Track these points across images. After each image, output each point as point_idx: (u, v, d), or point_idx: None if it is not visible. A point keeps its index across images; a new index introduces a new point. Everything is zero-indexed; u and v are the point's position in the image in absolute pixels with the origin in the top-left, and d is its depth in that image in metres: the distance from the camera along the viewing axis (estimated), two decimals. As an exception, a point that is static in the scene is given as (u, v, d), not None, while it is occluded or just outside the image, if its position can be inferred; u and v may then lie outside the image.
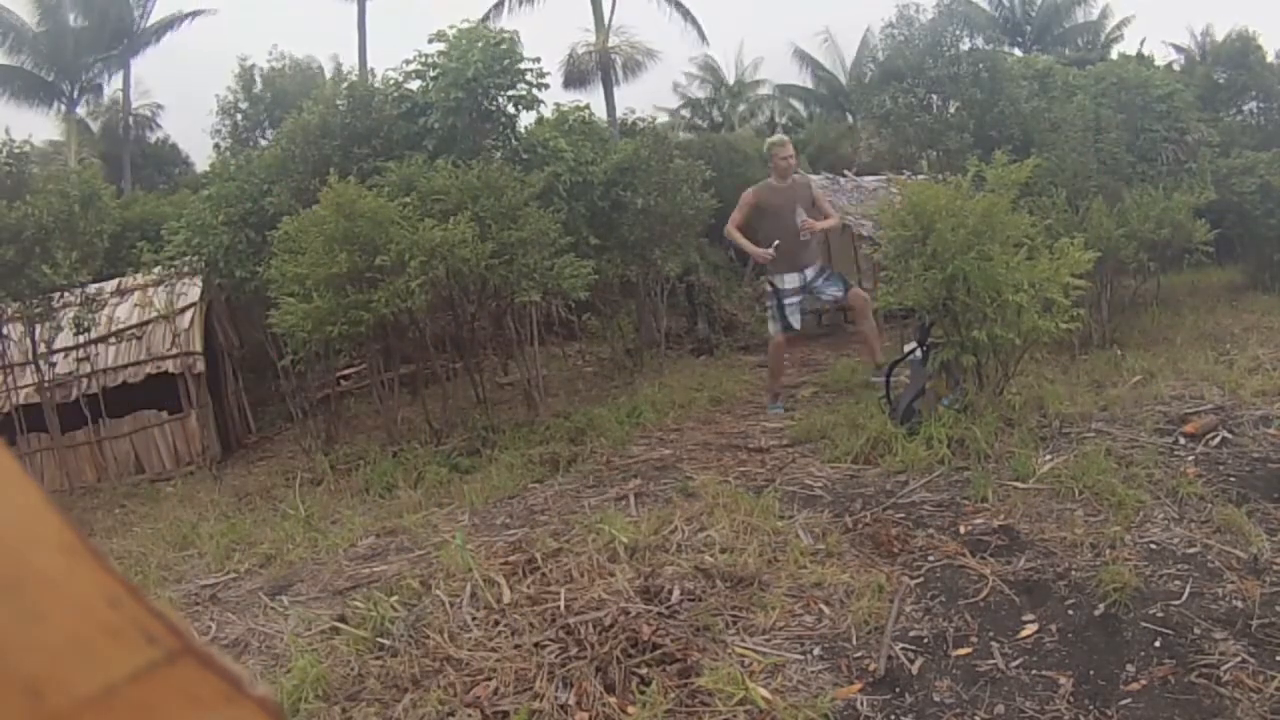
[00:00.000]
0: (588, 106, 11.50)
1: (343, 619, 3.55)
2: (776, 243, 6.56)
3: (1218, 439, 4.65)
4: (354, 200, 6.58)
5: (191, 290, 9.89)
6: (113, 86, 26.02)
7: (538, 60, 9.94)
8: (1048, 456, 4.58)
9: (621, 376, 9.78)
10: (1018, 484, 4.27)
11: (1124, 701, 2.56)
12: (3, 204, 8.09)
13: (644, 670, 2.84)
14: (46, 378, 9.06)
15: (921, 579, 3.42)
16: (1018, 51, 22.02)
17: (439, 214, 6.86)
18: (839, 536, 3.85)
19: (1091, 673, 2.72)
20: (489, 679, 2.91)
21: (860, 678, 2.81)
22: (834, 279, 6.96)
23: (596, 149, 10.48)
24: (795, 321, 6.81)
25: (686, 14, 23.88)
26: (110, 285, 10.48)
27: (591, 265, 8.08)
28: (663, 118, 24.22)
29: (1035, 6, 26.98)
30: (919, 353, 5.66)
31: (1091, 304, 7.39)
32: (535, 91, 9.99)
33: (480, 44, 9.51)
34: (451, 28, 9.73)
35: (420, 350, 8.03)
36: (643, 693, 2.72)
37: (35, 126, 27.94)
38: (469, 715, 2.73)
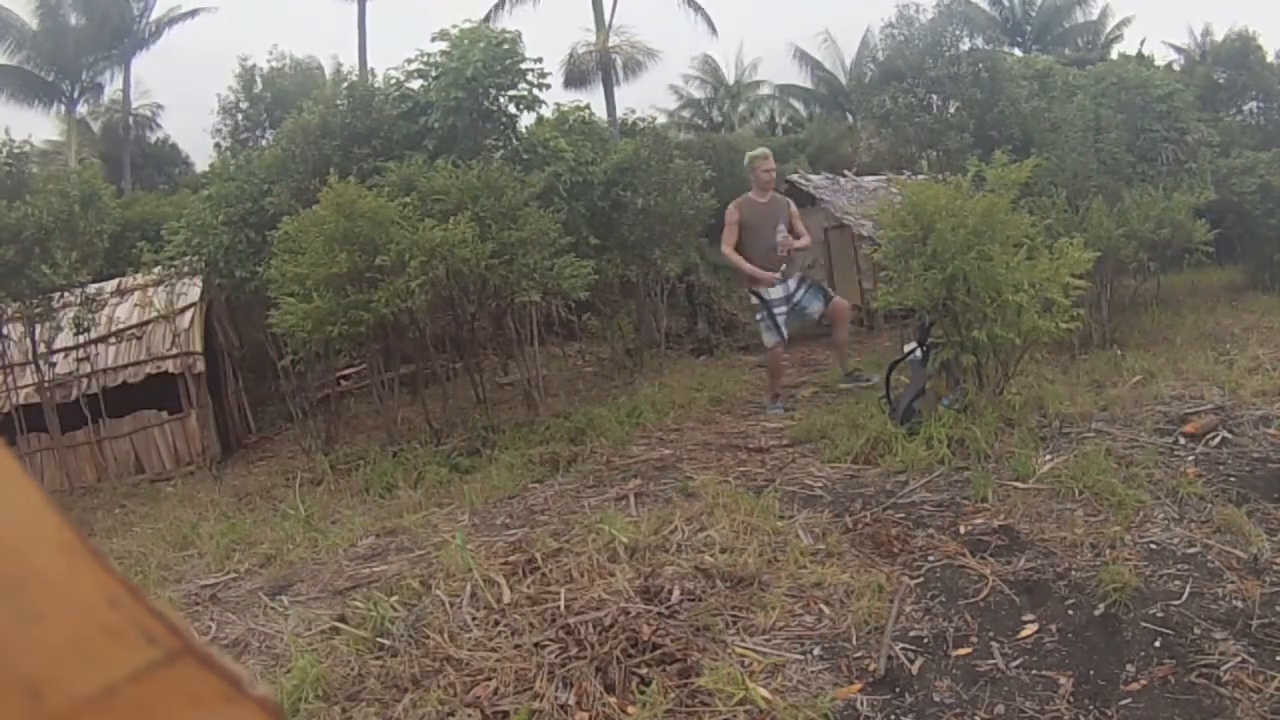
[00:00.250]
0: (588, 106, 11.51)
1: (343, 619, 3.55)
2: (782, 268, 6.66)
3: (1218, 439, 4.65)
4: (354, 200, 6.58)
5: (191, 290, 9.89)
6: (113, 86, 26.04)
7: (539, 60, 9.95)
8: (1048, 456, 4.58)
9: (621, 376, 9.78)
10: (1018, 484, 4.27)
11: (1124, 701, 2.56)
12: (3, 204, 8.10)
13: (644, 670, 2.84)
14: (46, 378, 9.06)
15: (921, 579, 3.42)
16: (1018, 51, 22.03)
17: (439, 214, 6.86)
18: (839, 536, 3.85)
19: (1091, 673, 2.72)
20: (489, 679, 2.91)
21: (860, 678, 2.81)
22: (814, 291, 7.02)
23: (596, 149, 10.49)
24: (784, 329, 6.84)
25: (697, 7, 23.89)
26: (110, 285, 10.48)
27: (591, 265, 8.08)
28: (662, 119, 24.24)
29: (1035, 6, 26.98)
30: (919, 353, 5.66)
31: (1091, 304, 7.39)
32: (536, 92, 10.00)
33: (482, 44, 9.52)
34: (454, 27, 9.74)
35: (420, 350, 8.04)
36: (643, 693, 2.72)
37: (35, 126, 27.97)
38: (469, 715, 2.73)
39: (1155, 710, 2.51)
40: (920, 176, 8.61)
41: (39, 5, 23.75)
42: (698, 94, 30.50)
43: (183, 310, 9.85)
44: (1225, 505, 3.76)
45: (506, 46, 9.66)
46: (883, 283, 6.19)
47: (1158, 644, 2.81)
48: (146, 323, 9.95)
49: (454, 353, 8.58)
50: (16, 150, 9.08)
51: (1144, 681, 2.63)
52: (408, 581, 3.78)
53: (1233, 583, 3.13)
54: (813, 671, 2.86)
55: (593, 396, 8.60)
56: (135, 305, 10.18)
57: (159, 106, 27.72)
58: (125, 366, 9.68)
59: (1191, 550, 3.42)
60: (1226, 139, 11.61)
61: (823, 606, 3.25)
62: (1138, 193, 8.72)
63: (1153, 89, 10.78)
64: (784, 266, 6.76)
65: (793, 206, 7.13)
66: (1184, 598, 3.05)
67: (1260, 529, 3.53)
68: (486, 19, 20.35)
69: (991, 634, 3.01)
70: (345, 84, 11.13)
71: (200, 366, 9.71)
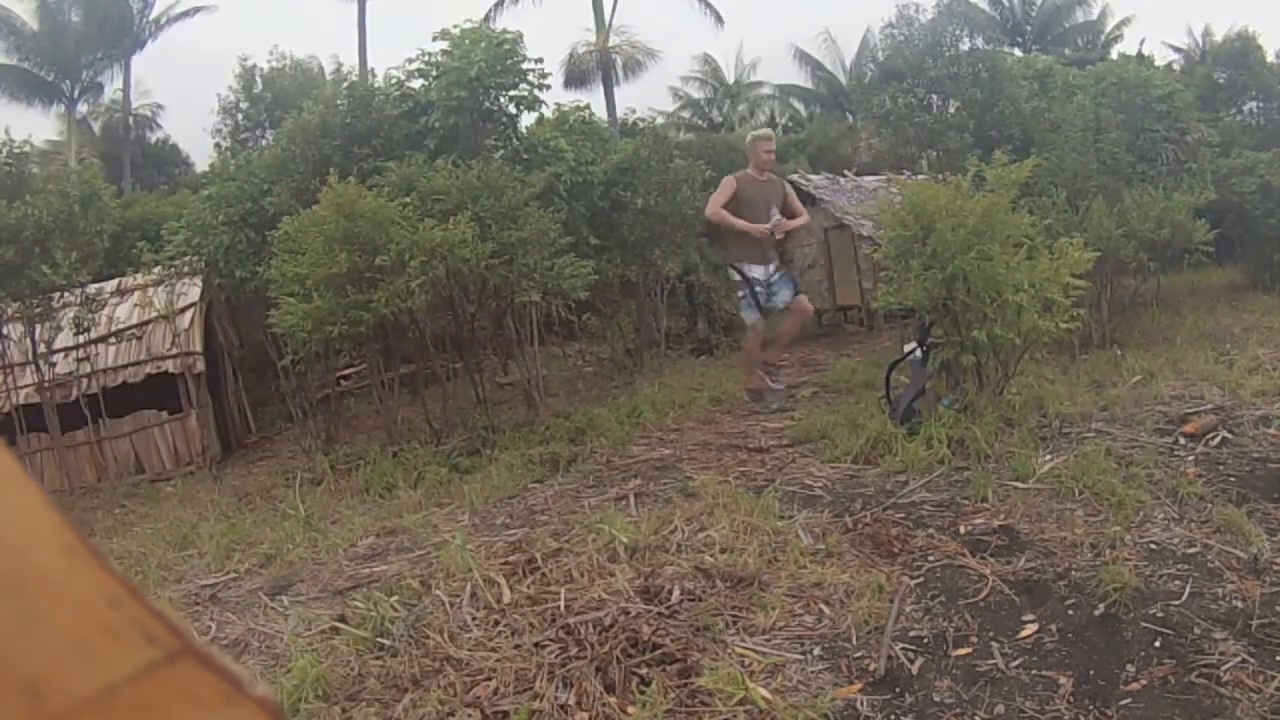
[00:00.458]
0: (588, 106, 11.52)
1: (343, 619, 3.55)
2: (768, 229, 6.61)
3: (1218, 439, 4.65)
4: (354, 200, 6.58)
5: (191, 290, 9.89)
6: (113, 86, 26.07)
7: (540, 61, 9.96)
8: (1048, 456, 4.58)
9: (621, 376, 9.79)
10: (1018, 484, 4.27)
11: (1124, 701, 2.56)
12: (3, 204, 8.10)
13: (644, 670, 2.84)
14: (46, 378, 9.06)
15: (921, 579, 3.42)
16: (1018, 51, 22.03)
17: (439, 214, 6.86)
18: (839, 536, 3.85)
19: (1091, 673, 2.72)
20: (489, 679, 2.91)
21: (860, 678, 2.81)
22: (787, 280, 7.01)
23: (597, 149, 10.49)
24: (777, 302, 6.82)
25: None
26: (110, 285, 10.49)
27: (591, 265, 8.08)
28: (661, 120, 24.24)
29: (1035, 6, 27.00)
30: (919, 353, 5.66)
31: (1091, 304, 7.39)
32: (537, 92, 10.00)
33: (483, 44, 9.52)
34: (455, 27, 9.74)
35: (420, 350, 8.04)
36: (643, 693, 2.72)
37: (35, 126, 27.97)
38: (469, 715, 2.73)
39: (1155, 710, 2.51)
40: (920, 176, 8.62)
41: (39, 5, 23.76)
42: (697, 94, 30.53)
43: (183, 310, 9.85)
44: (1225, 505, 3.76)
45: (508, 47, 9.67)
46: (883, 283, 6.19)
47: (1158, 644, 2.81)
48: (146, 323, 9.95)
49: (454, 353, 8.58)
50: (16, 150, 9.09)
51: (1144, 681, 2.63)
52: (408, 581, 3.78)
53: (1233, 583, 3.13)
54: (813, 671, 2.86)
55: (593, 396, 8.60)
56: (135, 305, 10.19)
57: (159, 106, 27.76)
58: (125, 366, 9.68)
59: (1191, 550, 3.42)
60: (1226, 139, 11.61)
61: (823, 606, 3.25)
62: (1138, 193, 8.72)
63: (1153, 89, 10.79)
64: (770, 251, 6.76)
65: (788, 188, 7.15)
66: (1184, 598, 3.05)
67: (1260, 529, 3.53)
68: (486, 19, 20.35)
69: (991, 634, 3.01)
70: (345, 84, 11.14)
71: (200, 366, 9.71)
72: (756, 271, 6.72)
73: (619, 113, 21.31)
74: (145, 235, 10.75)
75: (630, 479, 5.16)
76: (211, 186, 9.55)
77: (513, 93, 9.87)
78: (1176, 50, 22.08)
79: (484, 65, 9.32)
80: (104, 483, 9.12)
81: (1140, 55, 13.20)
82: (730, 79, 30.64)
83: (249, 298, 9.39)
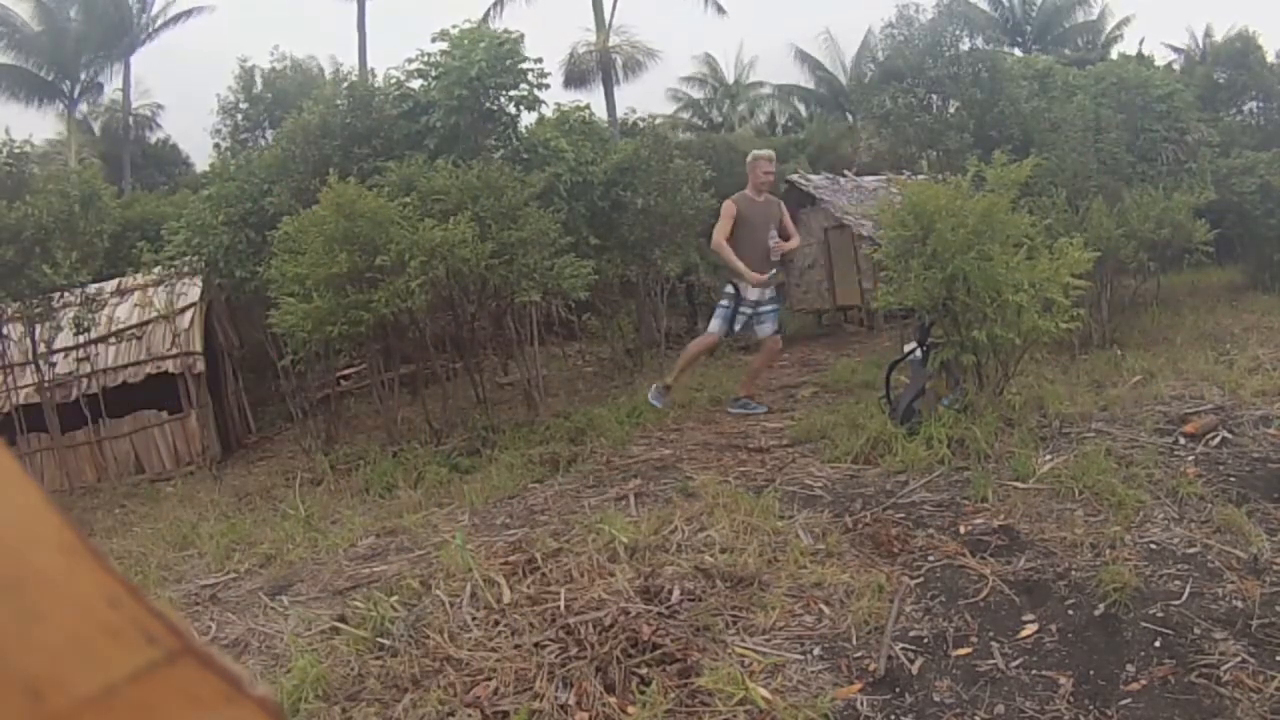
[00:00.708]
0: (588, 106, 11.52)
1: (343, 619, 3.55)
2: (764, 280, 6.70)
3: (1218, 439, 4.65)
4: (354, 200, 6.58)
5: (191, 290, 9.89)
6: (113, 86, 26.08)
7: (539, 60, 9.96)
8: (1048, 456, 4.58)
9: (621, 376, 9.79)
10: (1018, 484, 4.27)
11: (1124, 701, 2.56)
12: (3, 204, 8.10)
13: (644, 670, 2.84)
14: (46, 378, 9.06)
15: (921, 579, 3.42)
16: (1018, 51, 22.03)
17: (439, 214, 6.86)
18: (839, 536, 3.85)
19: (1091, 673, 2.72)
20: (489, 679, 2.91)
21: (860, 678, 2.81)
22: (774, 315, 7.02)
23: (597, 149, 10.49)
24: (736, 328, 6.85)
25: None
26: (110, 285, 10.49)
27: (591, 265, 8.08)
28: (661, 121, 24.25)
29: (1035, 6, 27.00)
30: (919, 353, 5.66)
31: (1091, 304, 7.39)
32: (536, 92, 10.01)
33: (484, 43, 9.53)
34: (454, 27, 9.75)
35: (420, 350, 8.04)
36: (643, 693, 2.72)
37: (35, 126, 27.99)
38: (469, 715, 2.73)
39: (1155, 710, 2.51)
40: (920, 176, 8.62)
41: (38, 5, 23.77)
42: (697, 94, 30.54)
43: (183, 310, 9.86)
44: (1225, 505, 3.76)
45: (508, 47, 9.67)
46: (883, 283, 6.19)
47: (1158, 644, 2.80)
48: (146, 323, 9.96)
49: (454, 353, 8.58)
50: (16, 150, 9.09)
51: (1144, 681, 2.63)
52: (408, 581, 3.78)
53: (1233, 583, 3.13)
54: (813, 671, 2.86)
55: (593, 396, 8.61)
56: (135, 305, 10.19)
57: (159, 106, 27.79)
58: (125, 366, 9.69)
59: (1191, 550, 3.42)
60: (1226, 139, 11.62)
61: (823, 606, 3.25)
62: (1138, 193, 8.72)
63: (1153, 89, 10.79)
64: (773, 271, 6.78)
65: (783, 207, 7.18)
66: (1184, 598, 3.05)
67: (1260, 529, 3.53)
68: (485, 18, 20.36)
69: (991, 634, 3.01)
70: (345, 84, 11.14)
71: (200, 366, 9.72)
72: (752, 294, 6.73)
73: (619, 113, 21.32)
74: (145, 235, 10.75)
75: (630, 479, 5.16)
76: (211, 186, 9.56)
77: (513, 93, 9.88)
78: (1176, 50, 22.11)
79: (485, 65, 9.32)
80: (104, 483, 9.12)
81: (1140, 55, 13.20)
82: (730, 79, 30.65)
83: (249, 298, 9.39)
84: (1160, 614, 2.95)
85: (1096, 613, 3.02)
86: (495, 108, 9.85)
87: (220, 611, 4.09)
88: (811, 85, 29.30)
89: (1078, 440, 4.85)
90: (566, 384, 9.80)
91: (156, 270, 9.46)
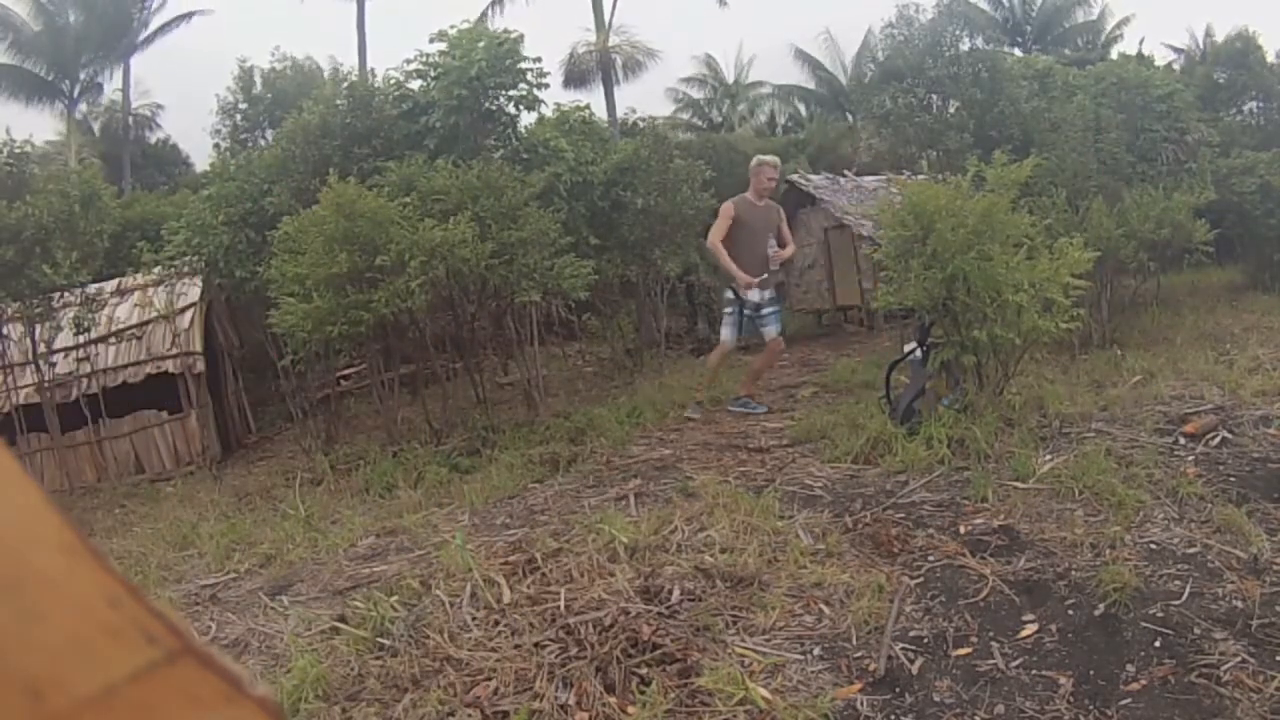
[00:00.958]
0: (588, 106, 11.52)
1: (343, 619, 3.55)
2: (764, 277, 6.71)
3: (1218, 439, 4.65)
4: (354, 200, 6.58)
5: (191, 290, 9.89)
6: (112, 86, 26.07)
7: (538, 60, 9.96)
8: (1048, 456, 4.58)
9: (621, 376, 9.79)
10: (1018, 484, 4.27)
11: (1124, 701, 2.56)
12: (3, 204, 8.10)
13: (644, 670, 2.84)
14: (46, 378, 9.06)
15: (921, 579, 3.42)
16: (1018, 51, 22.03)
17: (439, 214, 6.86)
18: (839, 536, 3.85)
19: (1091, 673, 2.72)
20: (489, 679, 2.91)
21: (860, 678, 2.81)
22: (776, 317, 7.00)
23: (597, 149, 10.50)
24: (761, 330, 6.87)
25: None
26: (110, 285, 10.49)
27: (591, 265, 8.08)
28: (661, 121, 24.23)
29: (1035, 6, 27.01)
30: (919, 353, 5.66)
31: (1091, 304, 7.39)
32: (536, 91, 10.01)
33: (483, 43, 9.53)
34: (452, 28, 9.76)
35: (420, 350, 8.03)
36: (643, 693, 2.72)
37: (35, 126, 28.00)
38: (469, 715, 2.73)
39: (1155, 710, 2.51)
40: (920, 176, 8.62)
41: (38, 5, 23.77)
42: (697, 94, 30.54)
43: (183, 310, 9.86)
44: (1225, 505, 3.76)
45: (508, 47, 9.67)
46: (883, 283, 6.19)
47: (1158, 644, 2.80)
48: (146, 323, 9.96)
49: (454, 353, 8.58)
50: (17, 150, 9.09)
51: (1144, 681, 2.63)
52: (408, 581, 3.78)
53: (1233, 583, 3.13)
54: (813, 671, 2.86)
55: (593, 396, 8.61)
56: (135, 305, 10.19)
57: (159, 106, 27.79)
58: (125, 366, 9.68)
59: (1191, 550, 3.42)
60: (1226, 139, 11.62)
61: (823, 606, 3.25)
62: (1138, 193, 8.72)
63: (1153, 89, 10.79)
64: (765, 276, 6.78)
65: (782, 214, 7.17)
66: (1184, 598, 3.05)
67: (1260, 529, 3.53)
68: (482, 17, 20.36)
69: (991, 634, 3.01)
70: (345, 84, 11.14)
71: (200, 366, 9.71)
72: (752, 296, 6.73)
73: (619, 113, 21.32)
74: (145, 235, 10.76)
75: (630, 479, 5.16)
76: (211, 186, 9.56)
77: (512, 92, 9.88)
78: (1176, 50, 22.11)
79: (484, 65, 9.32)
80: (104, 483, 9.12)
81: (1140, 55, 13.20)
82: (730, 79, 30.65)
83: (249, 298, 9.39)
84: (1160, 614, 2.95)
85: (1096, 613, 3.02)
86: (495, 108, 9.86)
87: (220, 611, 4.09)
88: (811, 85, 29.30)
89: (1078, 440, 4.85)
90: (566, 384, 9.80)
91: (156, 270, 9.46)
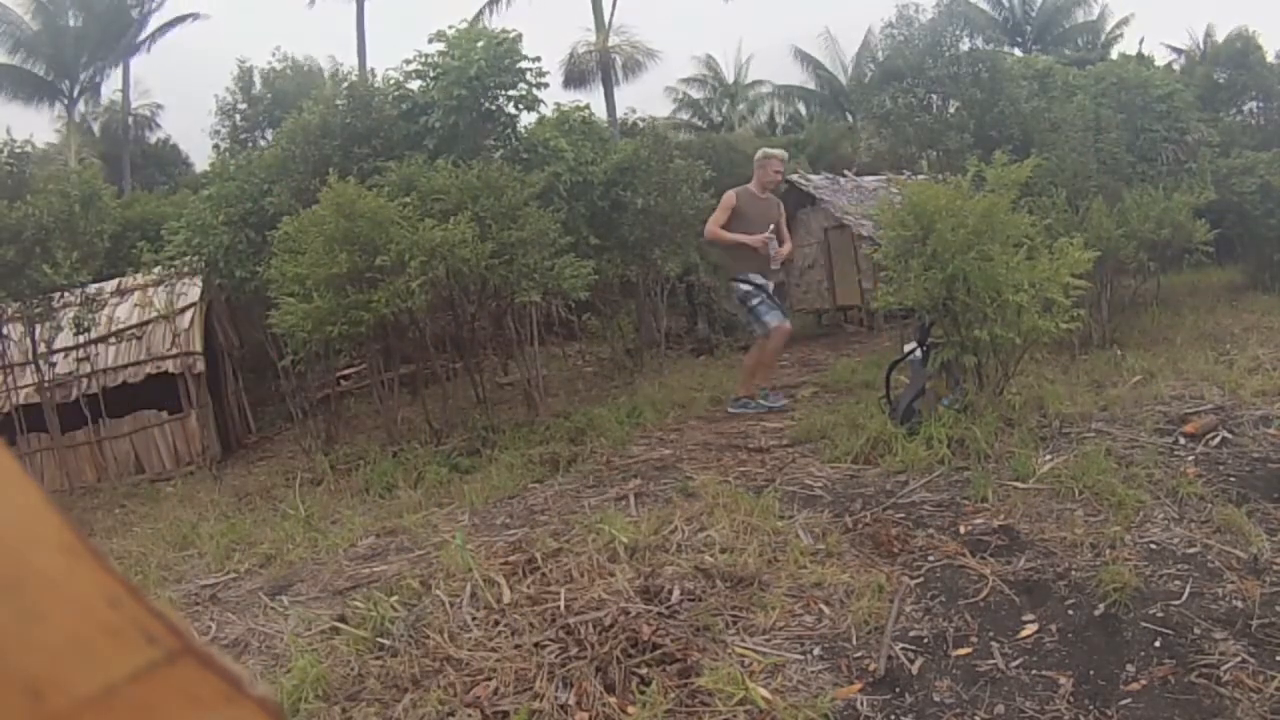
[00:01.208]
0: (588, 106, 11.52)
1: (343, 619, 3.55)
2: (768, 237, 6.60)
3: (1218, 439, 4.65)
4: (354, 200, 6.58)
5: (191, 290, 9.89)
6: (112, 86, 26.08)
7: (538, 60, 9.96)
8: (1048, 456, 4.57)
9: (621, 376, 9.79)
10: (1018, 484, 4.27)
11: (1124, 701, 2.56)
12: (3, 204, 8.10)
13: (644, 670, 2.84)
14: (46, 378, 9.06)
15: (921, 579, 3.42)
16: (1018, 51, 22.03)
17: (439, 214, 6.86)
18: (839, 536, 3.85)
19: (1091, 673, 2.72)
20: (489, 679, 2.90)
21: (860, 678, 2.81)
22: (779, 308, 6.95)
23: (596, 149, 10.50)
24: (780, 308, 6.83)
25: None
26: (110, 285, 10.49)
27: (591, 265, 8.08)
28: (661, 120, 24.21)
29: (1035, 6, 27.02)
30: (919, 353, 5.66)
31: (1091, 304, 7.39)
32: (535, 91, 10.01)
33: (482, 43, 9.53)
34: (451, 28, 9.76)
35: (420, 350, 8.03)
36: (643, 693, 2.72)
37: (35, 127, 28.00)
38: (469, 715, 2.73)
39: (1155, 710, 2.51)
40: (920, 176, 8.62)
41: (38, 5, 23.77)
42: (697, 94, 30.55)
43: (183, 310, 9.86)
44: (1225, 505, 3.76)
45: (506, 47, 9.67)
46: (883, 283, 6.19)
47: (1158, 644, 2.80)
48: (146, 323, 9.96)
49: (454, 353, 8.58)
50: (17, 150, 9.09)
51: (1144, 681, 2.63)
52: (408, 581, 3.77)
53: (1233, 583, 3.13)
54: (813, 671, 2.86)
55: (593, 396, 8.61)
56: (135, 305, 10.19)
57: (159, 106, 27.81)
58: (125, 366, 9.69)
59: (1191, 550, 3.42)
60: (1226, 139, 11.62)
61: (823, 606, 3.25)
62: (1138, 193, 8.72)
63: (1153, 89, 10.79)
64: (772, 266, 6.77)
65: (783, 209, 7.14)
66: (1184, 598, 3.05)
67: (1260, 529, 3.53)
68: (478, 17, 20.36)
69: (991, 634, 3.01)
70: (345, 84, 11.15)
71: (200, 366, 9.72)
72: (760, 279, 6.71)
73: (619, 113, 21.32)
74: (145, 235, 10.77)
75: (630, 479, 5.16)
76: (211, 186, 9.56)
77: (512, 92, 9.88)
78: (1176, 50, 22.10)
79: (483, 65, 9.33)
80: (104, 483, 9.12)
81: (1140, 55, 13.20)
82: (730, 79, 30.65)
83: (249, 298, 9.40)
84: (1160, 614, 2.95)
85: (1096, 613, 3.02)
86: (494, 108, 9.86)
87: (220, 611, 4.09)
88: (812, 85, 29.31)
89: (1078, 440, 4.85)
90: (566, 384, 9.80)
91: (156, 270, 9.47)
